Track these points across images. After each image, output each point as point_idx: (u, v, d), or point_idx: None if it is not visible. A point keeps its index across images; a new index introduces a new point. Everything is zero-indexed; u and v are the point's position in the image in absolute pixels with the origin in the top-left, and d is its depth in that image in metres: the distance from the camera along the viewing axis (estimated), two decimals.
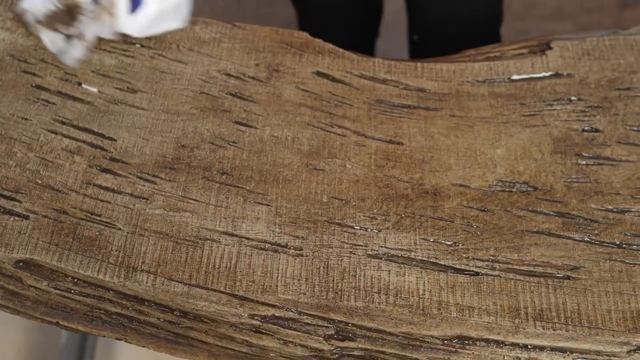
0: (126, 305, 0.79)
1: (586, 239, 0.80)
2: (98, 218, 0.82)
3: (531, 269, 0.79)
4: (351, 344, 0.77)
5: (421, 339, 0.77)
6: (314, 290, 0.78)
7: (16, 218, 0.81)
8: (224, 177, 0.85)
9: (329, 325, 0.77)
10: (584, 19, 2.10)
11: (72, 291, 0.80)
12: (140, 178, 0.84)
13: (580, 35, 0.97)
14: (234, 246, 0.80)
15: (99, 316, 0.80)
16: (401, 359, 0.77)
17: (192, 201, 0.83)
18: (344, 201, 0.83)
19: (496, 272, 0.79)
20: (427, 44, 1.48)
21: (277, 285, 0.78)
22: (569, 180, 0.84)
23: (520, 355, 0.76)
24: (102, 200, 0.83)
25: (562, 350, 0.75)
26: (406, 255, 0.80)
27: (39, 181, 0.84)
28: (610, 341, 0.75)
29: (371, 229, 0.82)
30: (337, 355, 0.78)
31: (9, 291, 0.81)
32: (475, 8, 1.35)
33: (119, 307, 0.80)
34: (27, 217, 0.81)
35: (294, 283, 0.78)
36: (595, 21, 2.16)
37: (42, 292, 0.80)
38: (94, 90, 0.91)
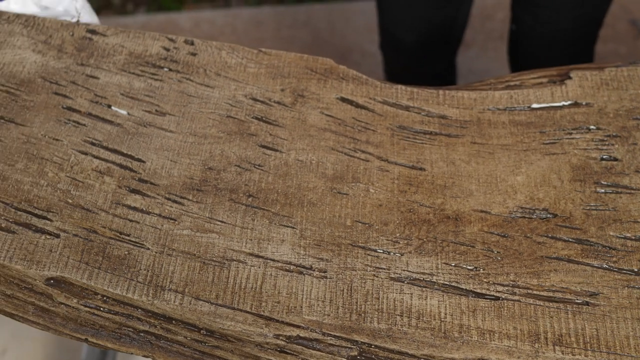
0: (154, 324, 0.81)
1: (605, 265, 0.82)
2: (127, 238, 0.84)
3: (551, 294, 0.80)
4: None
5: None
6: (337, 312, 0.80)
7: (47, 236, 0.83)
8: (250, 199, 0.87)
9: (352, 346, 0.79)
10: (599, 47, 2.13)
11: (102, 309, 0.82)
12: (168, 199, 0.86)
13: (598, 65, 0.99)
14: (259, 267, 0.82)
15: (127, 334, 0.82)
16: None
17: (219, 223, 0.85)
18: (367, 225, 0.85)
19: (516, 297, 0.80)
20: (523, 36, 1.55)
21: (302, 307, 0.80)
22: (588, 207, 0.86)
23: None
24: (131, 220, 0.85)
25: None
26: (428, 279, 0.82)
27: (70, 201, 0.86)
28: None
29: (394, 253, 0.83)
30: None
31: (40, 308, 0.83)
32: (583, 10, 1.41)
33: (147, 325, 0.81)
34: (57, 236, 0.83)
35: (318, 304, 0.80)
36: (610, 49, 2.18)
37: (72, 309, 0.82)
38: (124, 112, 0.93)
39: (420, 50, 1.62)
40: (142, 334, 0.82)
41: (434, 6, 1.53)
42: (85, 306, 0.82)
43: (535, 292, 0.81)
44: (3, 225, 0.84)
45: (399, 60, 1.70)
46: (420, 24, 1.57)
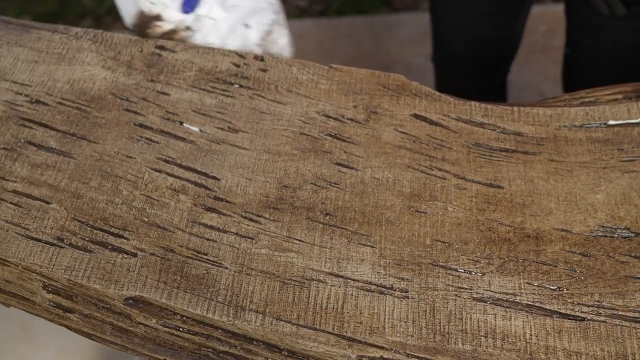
0: (234, 344, 0.80)
1: None
2: (205, 257, 0.83)
3: (637, 315, 0.79)
4: None
5: None
6: (421, 333, 0.78)
7: (124, 255, 0.83)
8: (327, 217, 0.86)
9: None
10: None
11: (181, 329, 0.81)
12: (245, 218, 0.86)
13: None
14: (340, 287, 0.81)
15: (206, 354, 0.82)
16: None
17: (297, 241, 0.84)
18: (447, 244, 0.84)
19: (602, 318, 0.79)
20: (581, 60, 1.53)
21: (384, 327, 0.79)
22: None
23: None
24: (208, 239, 0.84)
25: None
26: (511, 299, 0.80)
27: (146, 219, 0.85)
28: None
29: (475, 272, 0.82)
30: None
31: (118, 328, 0.83)
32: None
33: (227, 346, 0.81)
34: (135, 255, 0.83)
35: (401, 325, 0.79)
36: None
37: (151, 329, 0.81)
38: (196, 129, 0.93)
39: (475, 65, 1.61)
40: (222, 355, 0.81)
41: (490, 23, 1.52)
42: (165, 326, 0.81)
43: (621, 312, 0.79)
44: (80, 244, 0.83)
45: (452, 74, 1.69)
46: (476, 40, 1.56)
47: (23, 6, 2.67)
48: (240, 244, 0.84)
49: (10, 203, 0.86)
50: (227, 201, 0.87)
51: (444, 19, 1.58)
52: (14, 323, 1.92)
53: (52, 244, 0.83)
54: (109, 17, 2.62)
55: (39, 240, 0.84)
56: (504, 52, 1.64)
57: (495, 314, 0.80)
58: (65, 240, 0.84)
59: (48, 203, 0.86)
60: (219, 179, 0.89)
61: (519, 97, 2.19)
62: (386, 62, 2.31)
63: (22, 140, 0.91)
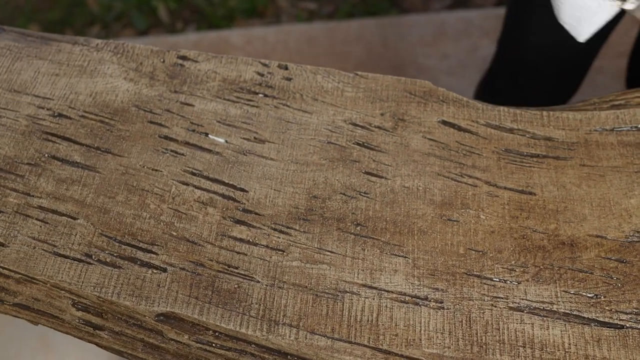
0: (268, 359, 0.79)
1: None
2: (235, 270, 0.82)
3: None
4: None
5: None
6: (458, 344, 0.77)
7: (154, 271, 0.82)
8: (358, 228, 0.85)
9: None
10: None
11: (214, 345, 0.80)
12: (275, 230, 0.85)
13: None
14: (374, 299, 0.80)
15: None
16: None
17: (329, 253, 0.83)
18: (480, 252, 0.83)
19: None
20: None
21: (420, 339, 0.78)
22: None
23: None
24: (238, 253, 0.83)
25: None
26: (548, 308, 0.79)
27: (174, 233, 0.84)
28: None
29: (510, 281, 0.81)
30: None
31: (150, 344, 0.82)
32: None
33: None
34: (164, 270, 0.82)
35: (437, 336, 0.78)
36: None
37: (183, 345, 0.80)
38: (221, 140, 0.91)
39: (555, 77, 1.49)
40: None
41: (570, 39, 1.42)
42: (197, 342, 0.80)
43: None
44: (108, 259, 0.82)
45: (517, 80, 1.57)
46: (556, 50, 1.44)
47: (31, 14, 2.66)
48: (271, 257, 0.83)
49: (37, 219, 0.85)
50: (256, 213, 0.86)
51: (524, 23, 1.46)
52: (32, 335, 1.91)
53: (80, 261, 0.82)
54: (117, 24, 2.61)
55: (67, 257, 0.82)
56: (580, 66, 1.52)
57: (532, 324, 0.78)
58: (93, 257, 0.82)
59: (75, 219, 0.85)
60: (247, 191, 0.88)
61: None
62: (398, 64, 2.30)
63: (46, 155, 0.90)
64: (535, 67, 1.44)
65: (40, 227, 0.84)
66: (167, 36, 2.49)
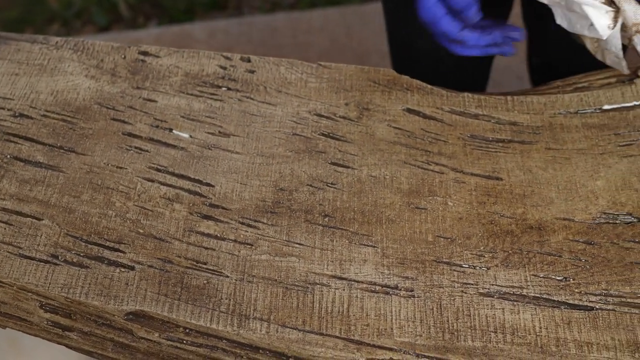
0: (240, 354, 0.79)
1: None
2: (204, 266, 0.81)
3: None
4: None
5: None
6: (429, 332, 0.77)
7: (122, 269, 0.81)
8: (326, 219, 0.84)
9: None
10: None
11: (184, 342, 0.79)
12: (243, 224, 0.84)
13: None
14: (344, 290, 0.80)
15: None
16: None
17: (297, 245, 0.83)
18: (449, 239, 0.83)
19: (610, 307, 0.78)
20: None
21: (392, 328, 0.77)
22: None
23: None
24: (206, 248, 0.82)
25: None
26: (518, 293, 0.79)
27: (141, 230, 0.83)
28: None
29: (480, 267, 0.81)
30: None
31: (120, 344, 0.81)
32: None
33: (232, 356, 0.79)
34: (132, 268, 0.81)
35: (408, 325, 0.78)
36: None
37: (154, 343, 0.80)
38: (186, 135, 0.91)
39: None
40: None
41: None
42: (168, 340, 0.79)
43: (629, 300, 0.78)
44: (75, 260, 0.81)
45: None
46: None
47: None
48: (239, 251, 0.82)
49: (1, 221, 0.84)
50: (223, 208, 0.85)
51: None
52: (1, 337, 1.89)
53: (46, 262, 0.81)
54: (78, 21, 2.59)
55: (33, 259, 0.81)
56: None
57: (503, 309, 0.78)
58: (59, 257, 0.81)
59: (39, 219, 0.84)
60: (213, 186, 0.87)
61: (498, 80, 2.17)
62: (361, 53, 2.30)
63: (8, 156, 0.89)
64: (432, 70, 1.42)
65: (5, 229, 0.83)
66: (128, 32, 2.47)
